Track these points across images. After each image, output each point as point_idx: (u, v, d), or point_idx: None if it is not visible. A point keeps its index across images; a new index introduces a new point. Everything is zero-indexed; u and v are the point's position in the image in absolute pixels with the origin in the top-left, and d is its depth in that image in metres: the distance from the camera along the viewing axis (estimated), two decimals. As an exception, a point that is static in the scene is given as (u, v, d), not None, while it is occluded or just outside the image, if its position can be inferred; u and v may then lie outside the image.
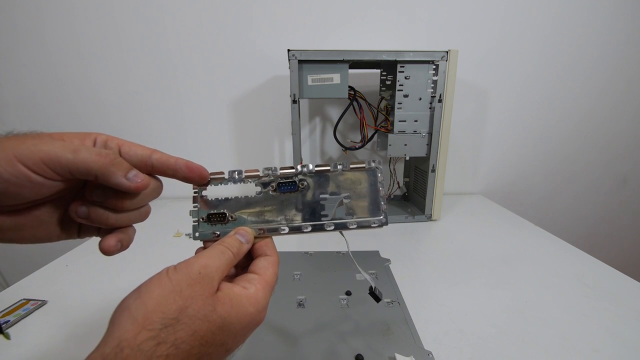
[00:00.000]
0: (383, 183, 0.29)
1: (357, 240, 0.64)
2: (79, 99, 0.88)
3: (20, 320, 0.42)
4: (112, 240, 0.24)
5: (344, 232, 0.29)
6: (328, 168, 0.28)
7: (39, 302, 0.46)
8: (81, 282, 0.52)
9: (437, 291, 0.49)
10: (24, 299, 0.46)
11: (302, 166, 0.28)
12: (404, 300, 0.46)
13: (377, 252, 0.60)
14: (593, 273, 0.54)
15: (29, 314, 0.44)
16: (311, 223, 0.28)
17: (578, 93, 0.92)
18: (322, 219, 0.28)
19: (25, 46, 0.84)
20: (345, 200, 0.28)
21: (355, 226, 0.28)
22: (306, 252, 0.59)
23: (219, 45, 0.85)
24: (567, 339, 0.39)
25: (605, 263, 0.56)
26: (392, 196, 0.88)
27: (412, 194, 0.86)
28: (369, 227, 0.28)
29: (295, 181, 0.28)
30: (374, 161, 0.29)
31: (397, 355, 0.35)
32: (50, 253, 0.60)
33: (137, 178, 0.23)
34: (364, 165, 0.29)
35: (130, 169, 0.23)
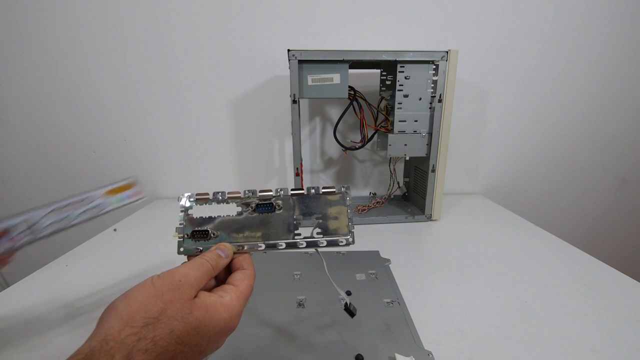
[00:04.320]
0: (351, 206, 0.32)
1: (357, 241, 0.63)
2: (80, 98, 0.88)
3: (118, 208, 0.37)
4: None
5: (318, 249, 0.31)
6: (302, 192, 0.31)
7: (141, 197, 0.38)
8: (81, 282, 0.52)
9: (437, 291, 0.49)
10: (132, 180, 0.39)
11: (279, 190, 0.31)
12: (404, 300, 0.46)
13: (377, 252, 0.60)
14: (593, 273, 0.54)
15: (126, 205, 0.38)
16: (285, 241, 0.30)
17: (578, 92, 0.92)
18: (296, 237, 0.31)
19: (25, 46, 0.84)
20: (317, 221, 0.31)
21: (325, 244, 0.31)
22: (306, 252, 0.59)
23: (219, 45, 0.85)
24: (567, 339, 0.39)
25: (605, 263, 0.56)
26: (392, 196, 0.88)
27: (412, 194, 0.86)
28: (337, 245, 0.31)
29: (272, 203, 0.31)
30: (343, 187, 0.32)
31: (397, 355, 0.35)
32: (51, 253, 0.60)
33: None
34: (334, 190, 0.32)
35: None
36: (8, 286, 0.51)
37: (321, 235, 0.31)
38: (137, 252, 0.62)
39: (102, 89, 0.87)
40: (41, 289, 0.50)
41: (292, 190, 0.31)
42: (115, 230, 0.71)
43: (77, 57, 0.85)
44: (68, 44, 0.84)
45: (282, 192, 0.31)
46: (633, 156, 0.99)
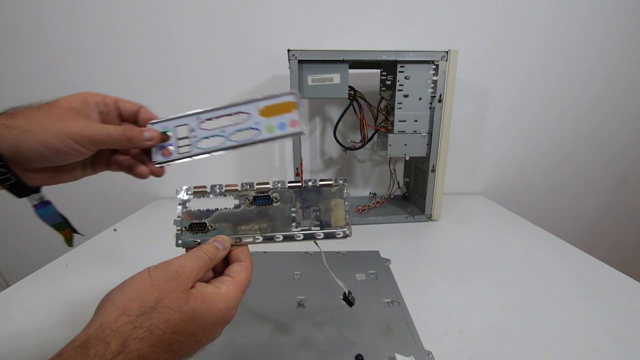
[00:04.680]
0: (348, 199, 0.32)
1: (357, 241, 0.64)
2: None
3: (274, 139, 0.32)
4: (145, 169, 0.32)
5: (317, 241, 0.31)
6: (300, 184, 0.31)
7: (300, 131, 0.32)
8: (81, 282, 0.52)
9: (437, 291, 0.49)
10: (293, 97, 0.32)
11: (277, 182, 0.31)
12: (404, 300, 0.46)
13: (377, 252, 0.60)
14: (593, 273, 0.54)
15: (283, 138, 0.32)
16: (283, 233, 0.30)
17: (577, 92, 0.92)
18: (293, 229, 0.31)
19: (25, 46, 0.84)
20: (314, 213, 0.31)
21: (322, 236, 0.31)
22: (306, 252, 0.59)
23: (219, 45, 0.85)
24: (567, 339, 0.39)
25: (605, 263, 0.56)
26: (392, 196, 0.88)
27: (412, 194, 0.86)
28: (334, 237, 0.31)
29: (269, 195, 0.31)
30: (340, 179, 0.32)
31: (397, 355, 0.35)
32: (50, 253, 0.60)
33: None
34: (331, 182, 0.32)
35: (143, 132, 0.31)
36: (8, 286, 0.51)
37: (319, 228, 0.31)
38: (137, 252, 0.62)
39: (102, 89, 0.85)
40: (41, 289, 0.50)
41: (289, 182, 0.31)
42: (115, 230, 0.71)
43: (77, 57, 0.84)
44: (68, 43, 0.83)
45: (280, 184, 0.31)
46: (633, 156, 0.99)
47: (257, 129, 0.32)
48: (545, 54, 0.88)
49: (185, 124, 0.32)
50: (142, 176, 0.32)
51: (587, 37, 0.87)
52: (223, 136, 0.32)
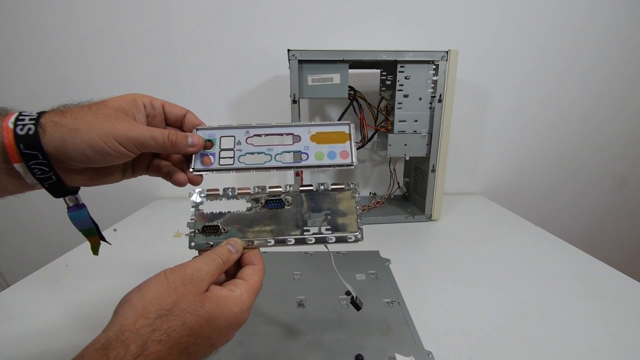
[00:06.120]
0: (359, 202, 0.31)
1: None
2: (80, 98, 0.87)
3: (321, 167, 0.32)
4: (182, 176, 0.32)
5: (327, 245, 0.31)
6: (311, 188, 0.31)
7: (350, 163, 0.32)
8: (81, 282, 0.52)
9: (437, 291, 0.49)
10: (347, 127, 0.33)
11: (289, 186, 0.31)
12: (404, 300, 0.46)
13: (377, 252, 0.60)
14: (593, 273, 0.54)
15: (328, 166, 0.32)
16: (294, 236, 0.30)
17: (577, 92, 0.92)
18: (305, 233, 0.31)
19: (26, 46, 0.84)
20: (326, 217, 0.31)
21: (333, 240, 0.31)
22: (306, 252, 0.59)
23: (220, 46, 0.85)
24: (567, 339, 0.39)
25: (605, 263, 0.56)
26: (392, 196, 0.88)
27: (412, 194, 0.86)
28: (346, 241, 0.30)
29: (281, 199, 0.31)
30: (352, 183, 0.32)
31: (397, 355, 0.35)
32: (50, 253, 0.60)
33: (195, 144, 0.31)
34: (343, 186, 0.32)
35: (187, 137, 0.30)
36: (8, 286, 0.51)
37: (330, 232, 0.31)
38: (137, 252, 0.62)
39: (102, 89, 0.87)
40: (41, 289, 0.50)
41: (301, 186, 0.31)
42: (115, 230, 0.71)
43: (77, 57, 0.85)
44: (68, 43, 0.84)
45: (291, 188, 0.31)
46: (633, 156, 0.99)
47: (305, 154, 0.32)
48: (545, 54, 0.88)
49: (232, 136, 0.32)
50: (179, 184, 0.32)
51: (587, 37, 0.87)
52: (269, 155, 0.32)
